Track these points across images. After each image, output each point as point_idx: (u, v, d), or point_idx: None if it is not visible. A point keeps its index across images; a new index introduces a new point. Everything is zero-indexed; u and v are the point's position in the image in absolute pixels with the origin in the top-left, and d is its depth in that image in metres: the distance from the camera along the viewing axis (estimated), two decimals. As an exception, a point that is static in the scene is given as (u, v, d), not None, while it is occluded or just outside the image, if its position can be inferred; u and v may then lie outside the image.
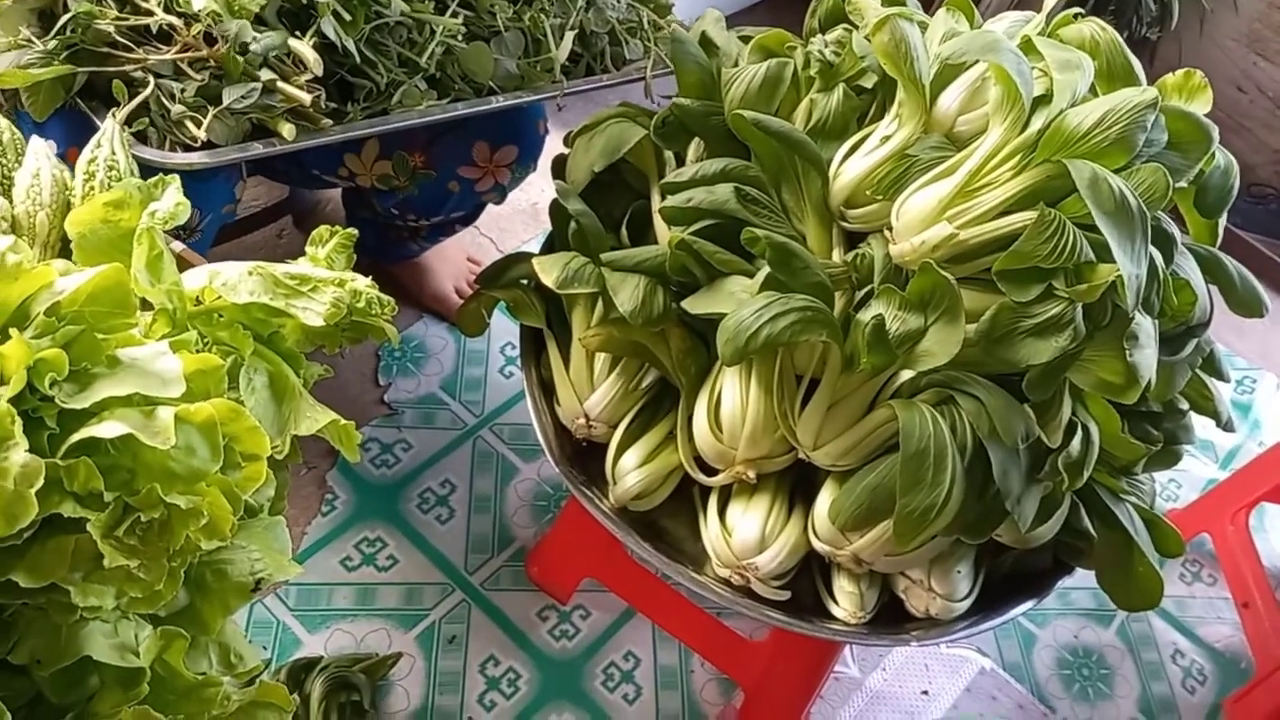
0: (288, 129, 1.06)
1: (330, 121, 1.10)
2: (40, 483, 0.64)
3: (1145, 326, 1.05)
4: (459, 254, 1.94)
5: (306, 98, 1.05)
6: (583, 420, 1.28)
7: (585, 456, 1.30)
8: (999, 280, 1.04)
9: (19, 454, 0.64)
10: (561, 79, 1.29)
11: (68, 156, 1.01)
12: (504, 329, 1.92)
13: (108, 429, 0.66)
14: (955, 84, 1.15)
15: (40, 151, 0.98)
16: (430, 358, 1.88)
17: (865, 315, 1.08)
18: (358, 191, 1.59)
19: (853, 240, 1.20)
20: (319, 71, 1.07)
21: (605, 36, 1.38)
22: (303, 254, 1.03)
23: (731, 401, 1.17)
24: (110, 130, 0.99)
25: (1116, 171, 1.01)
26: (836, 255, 1.19)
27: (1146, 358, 1.04)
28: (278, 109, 1.06)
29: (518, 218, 2.11)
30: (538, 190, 2.07)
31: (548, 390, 1.33)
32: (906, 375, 1.13)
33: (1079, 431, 1.11)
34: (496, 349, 1.93)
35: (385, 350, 1.87)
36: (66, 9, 1.02)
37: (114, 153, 0.99)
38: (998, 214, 1.06)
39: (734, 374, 1.17)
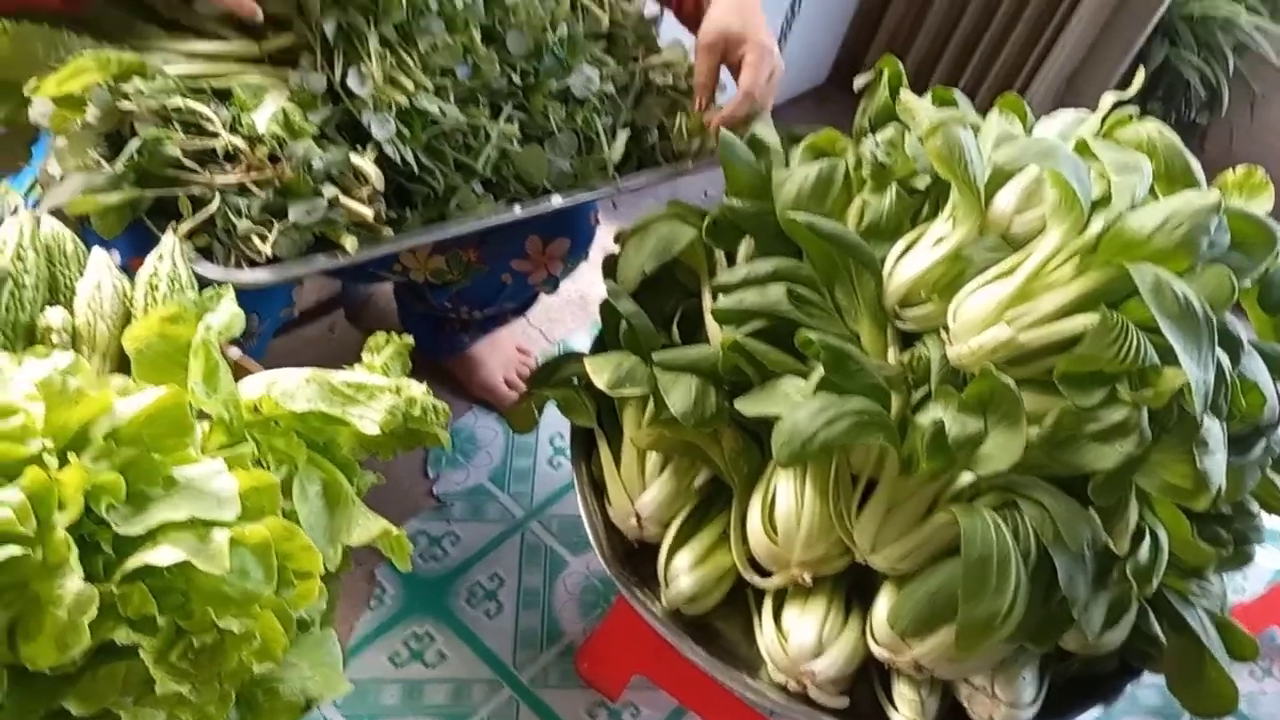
0: (350, 241, 1.07)
1: (391, 231, 1.11)
2: (94, 612, 0.63)
3: (1214, 431, 1.02)
4: (508, 345, 1.95)
5: (369, 212, 1.07)
6: (634, 520, 1.26)
7: (637, 557, 1.29)
8: (1061, 384, 1.02)
9: (74, 582, 0.64)
10: (615, 176, 1.30)
11: (130, 266, 1.03)
12: (552, 419, 1.89)
13: (163, 556, 0.66)
14: (1010, 185, 1.14)
15: (102, 264, 1.00)
16: (479, 449, 1.88)
17: (924, 418, 1.06)
18: (410, 285, 1.60)
19: (907, 340, 1.19)
20: (381, 186, 1.08)
21: (655, 131, 1.38)
22: (355, 347, 1.04)
23: (786, 503, 1.15)
24: (171, 244, 1.01)
25: (1180, 275, 0.99)
26: (891, 355, 1.18)
27: (1216, 463, 1.01)
28: (340, 221, 1.07)
29: (566, 308, 2.12)
30: (586, 281, 2.07)
31: (599, 489, 1.32)
32: (967, 478, 1.11)
33: (1147, 537, 1.08)
34: (545, 439, 1.92)
35: (435, 442, 1.87)
36: (134, 132, 1.04)
37: (175, 265, 1.00)
38: (1058, 316, 1.04)
39: (789, 475, 1.16)
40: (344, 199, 1.06)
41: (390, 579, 1.67)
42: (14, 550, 0.62)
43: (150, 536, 0.68)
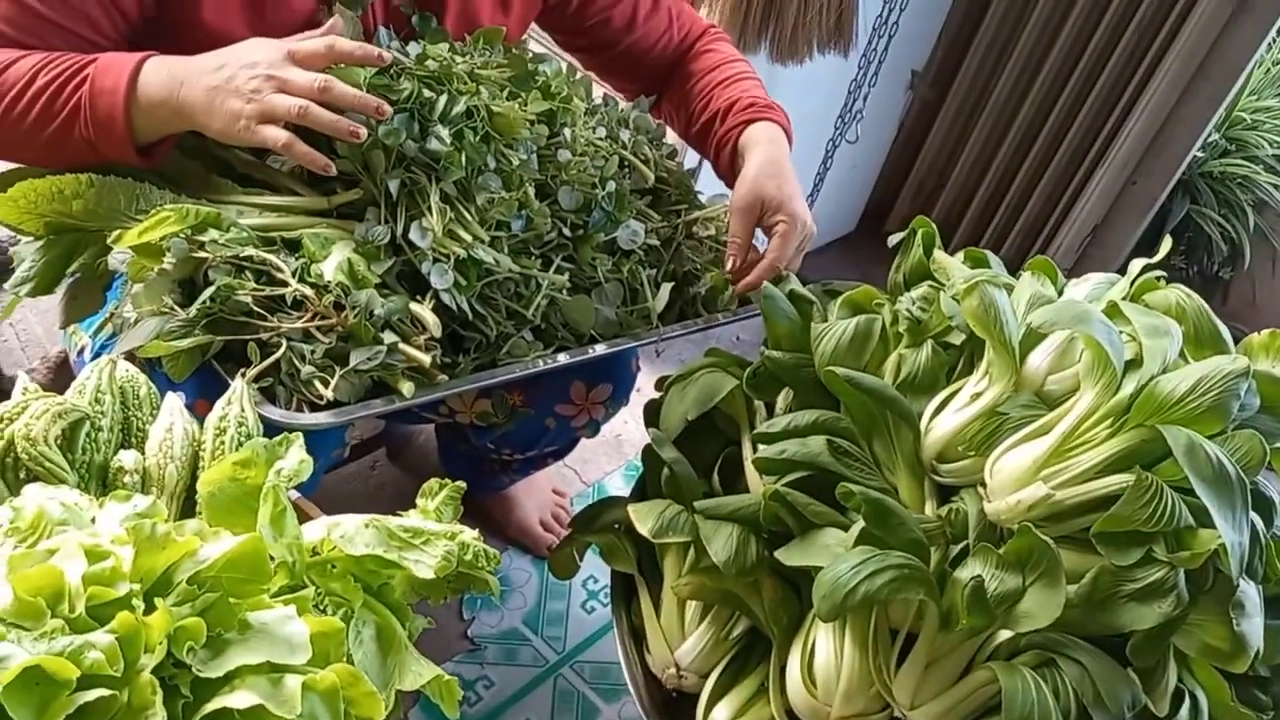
0: (407, 387, 1.11)
1: (445, 377, 1.16)
2: (174, 754, 0.66)
3: (1250, 594, 1.04)
4: (545, 486, 1.98)
5: (426, 358, 1.11)
6: (673, 670, 1.27)
7: (675, 706, 1.29)
8: (1098, 543, 1.04)
9: (156, 724, 0.66)
10: (658, 325, 1.35)
11: (195, 408, 1.07)
12: (588, 564, 1.92)
13: (240, 699, 0.69)
14: (1044, 345, 1.18)
15: (174, 408, 1.04)
16: (514, 591, 1.89)
17: (963, 574, 1.08)
18: (454, 426, 1.64)
19: (945, 493, 1.21)
20: (438, 333, 1.13)
21: (698, 283, 1.43)
22: (395, 486, 1.07)
23: (826, 655, 1.16)
24: (240, 390, 1.05)
25: (1211, 438, 1.02)
26: (929, 509, 1.20)
27: (1254, 626, 1.03)
28: (398, 367, 1.12)
29: (602, 449, 2.16)
30: (620, 422, 2.12)
31: (638, 637, 1.33)
32: (1005, 634, 1.12)
33: (1187, 700, 1.08)
34: (579, 583, 1.93)
35: (470, 581, 1.88)
36: (208, 281, 1.10)
37: (243, 410, 1.04)
38: (1093, 475, 1.07)
39: (828, 627, 1.17)
40: (403, 345, 1.11)
41: (423, 723, 1.67)
42: (103, 692, 0.65)
43: (227, 680, 0.70)
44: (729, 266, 1.40)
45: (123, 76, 1.12)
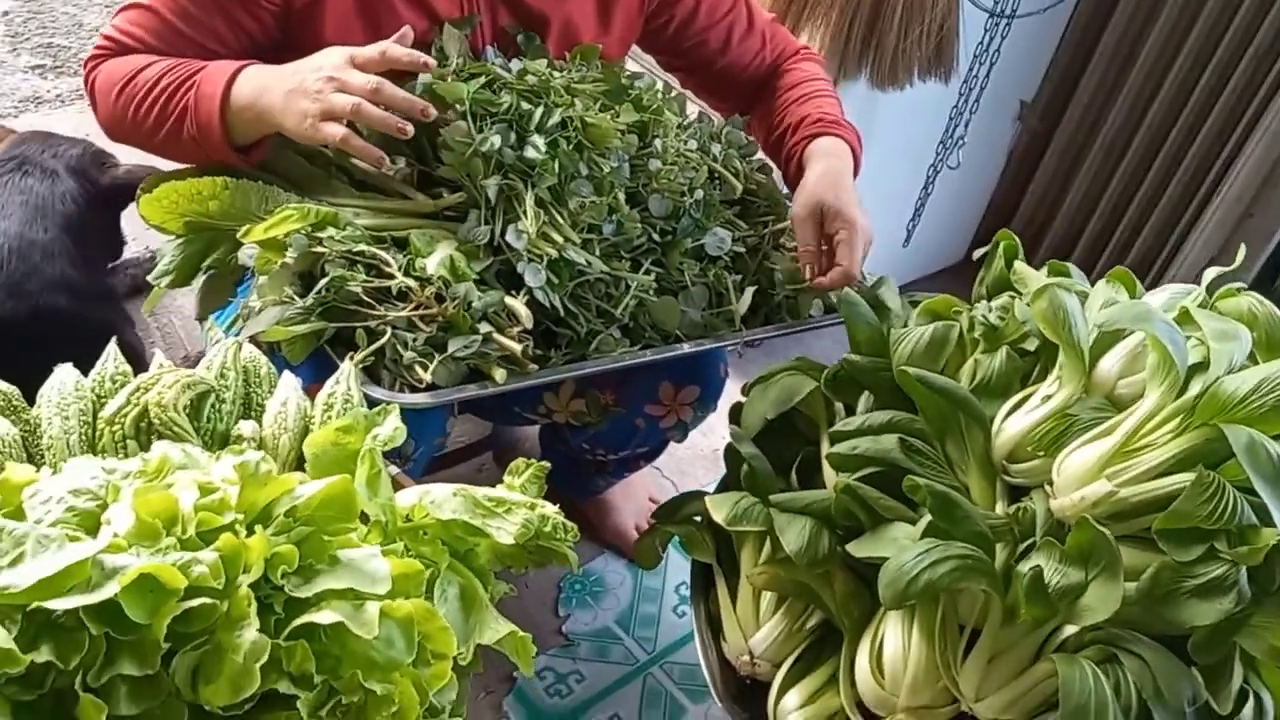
0: (500, 374, 1.20)
1: (535, 366, 1.24)
2: (265, 659, 0.74)
3: (1315, 593, 1.04)
4: (642, 493, 2.05)
5: (518, 347, 1.20)
6: (747, 657, 1.32)
7: (749, 695, 1.34)
8: (1160, 539, 1.06)
9: (250, 633, 0.75)
10: (741, 328, 1.41)
11: (310, 391, 1.17)
12: (679, 569, 1.99)
13: (324, 616, 0.77)
14: (1115, 349, 1.21)
15: (290, 385, 1.15)
16: (608, 592, 1.96)
17: (1025, 567, 1.11)
18: (553, 428, 1.73)
19: (1016, 494, 1.24)
20: (529, 325, 1.22)
21: (782, 289, 1.49)
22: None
23: (894, 647, 1.19)
24: (347, 371, 1.16)
25: (1275, 437, 1.03)
26: (1000, 508, 1.23)
27: (1318, 627, 1.03)
28: (492, 356, 1.21)
29: (699, 461, 2.22)
30: (719, 436, 2.17)
31: (715, 626, 1.38)
32: (1070, 630, 1.14)
33: (1251, 699, 1.08)
34: (671, 588, 1.99)
35: (566, 582, 1.96)
36: (324, 273, 1.21)
37: (349, 389, 1.14)
38: (1157, 474, 1.09)
39: (897, 620, 1.20)
40: (497, 335, 1.20)
41: (516, 710, 1.74)
42: (206, 600, 0.74)
43: (315, 601, 0.79)
44: (805, 276, 1.45)
45: (220, 83, 1.26)
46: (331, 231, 1.24)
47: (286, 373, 1.17)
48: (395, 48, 1.24)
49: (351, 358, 1.19)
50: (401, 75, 1.27)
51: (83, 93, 1.42)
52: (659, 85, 1.50)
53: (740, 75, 1.65)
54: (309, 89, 1.22)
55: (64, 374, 1.10)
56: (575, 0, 1.51)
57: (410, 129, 1.22)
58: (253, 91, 1.26)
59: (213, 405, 1.12)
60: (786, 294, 1.45)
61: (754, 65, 1.65)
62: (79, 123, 2.79)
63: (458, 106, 1.32)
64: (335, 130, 1.21)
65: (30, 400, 1.10)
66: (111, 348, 1.16)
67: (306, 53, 1.33)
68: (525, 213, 1.26)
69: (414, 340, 1.20)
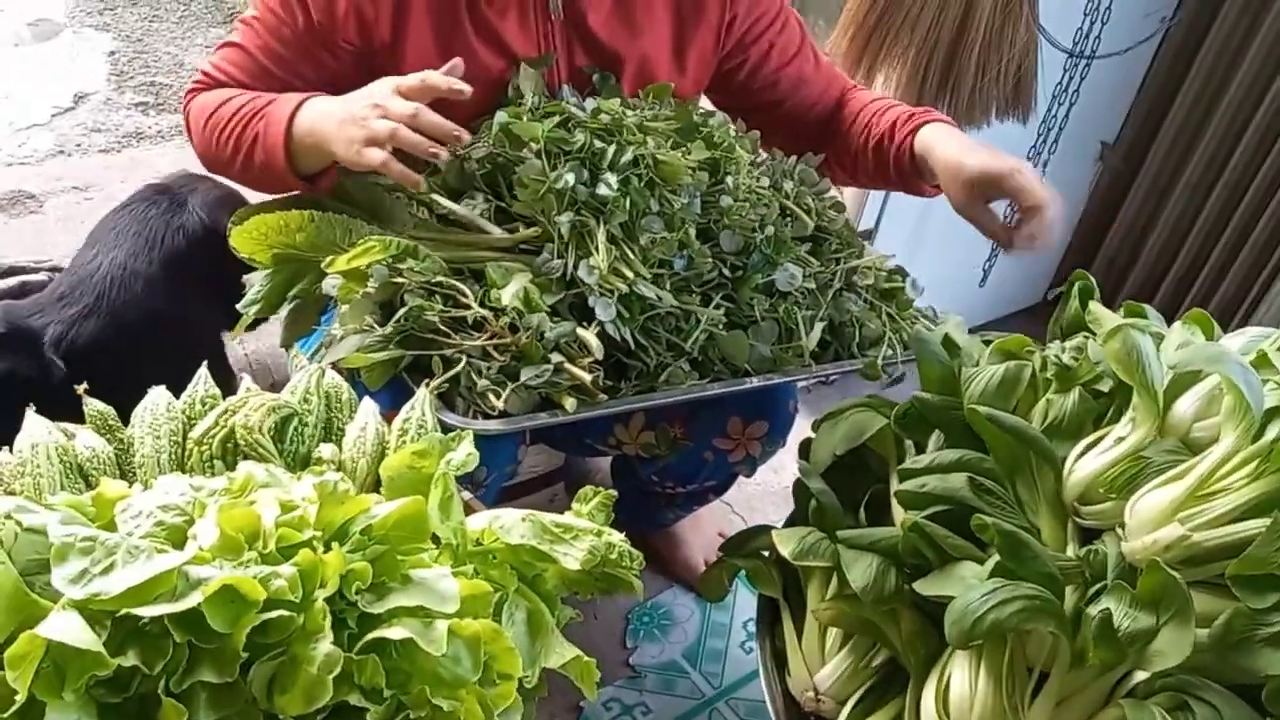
0: (570, 403, 1.23)
1: (605, 397, 1.27)
2: (337, 671, 0.77)
3: (1397, 646, 1.01)
4: (711, 528, 2.06)
5: (588, 377, 1.23)
6: (812, 693, 1.32)
7: (812, 731, 1.33)
8: (1233, 585, 1.04)
9: (325, 645, 0.78)
10: (810, 363, 1.42)
11: (387, 418, 1.21)
12: (747, 604, 1.99)
13: (395, 632, 0.80)
14: (1191, 392, 1.19)
15: (369, 411, 1.19)
16: (675, 625, 1.97)
17: (1094, 609, 1.10)
18: (624, 460, 1.75)
19: (1088, 537, 1.23)
20: (600, 355, 1.24)
21: (855, 328, 1.49)
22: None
23: (960, 688, 1.18)
24: (423, 398, 1.19)
25: (1354, 484, 1.01)
26: (1071, 550, 1.22)
27: (1400, 680, 1.00)
28: (563, 385, 1.23)
29: (768, 498, 2.22)
30: (790, 473, 2.17)
31: (780, 661, 1.38)
32: (1141, 677, 1.12)
33: (1328, 752, 1.05)
34: (738, 624, 1.99)
35: (634, 614, 1.97)
36: (403, 303, 1.25)
37: (424, 415, 1.18)
38: (1231, 519, 1.07)
39: (964, 660, 1.19)
40: (568, 365, 1.23)
41: (582, 740, 1.76)
42: (284, 613, 0.78)
43: (386, 617, 0.82)
44: (1005, 245, 1.47)
45: (286, 112, 1.34)
46: (411, 263, 1.28)
47: (366, 399, 1.21)
48: (435, 76, 1.29)
49: (427, 384, 1.22)
50: (451, 105, 1.31)
51: (182, 129, 1.50)
52: (731, 123, 1.53)
53: (809, 114, 1.67)
54: (356, 116, 1.27)
55: (157, 396, 1.16)
56: (650, 40, 1.54)
57: (444, 154, 1.26)
58: (312, 120, 1.33)
59: (295, 428, 1.16)
60: (858, 331, 1.46)
61: (821, 103, 1.68)
62: (178, 158, 2.90)
63: (532, 144, 1.36)
64: (376, 155, 1.25)
65: (125, 420, 1.16)
66: (202, 372, 1.21)
67: None
68: (597, 248, 1.29)
69: (488, 369, 1.23)
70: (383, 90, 1.29)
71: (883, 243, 2.24)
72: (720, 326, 1.34)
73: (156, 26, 3.71)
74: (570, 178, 1.31)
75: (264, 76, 1.45)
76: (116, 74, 3.44)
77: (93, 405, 1.16)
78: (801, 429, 1.61)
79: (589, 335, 1.24)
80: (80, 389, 1.17)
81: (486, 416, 1.23)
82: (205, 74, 1.48)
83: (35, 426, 1.08)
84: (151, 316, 1.94)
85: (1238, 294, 2.58)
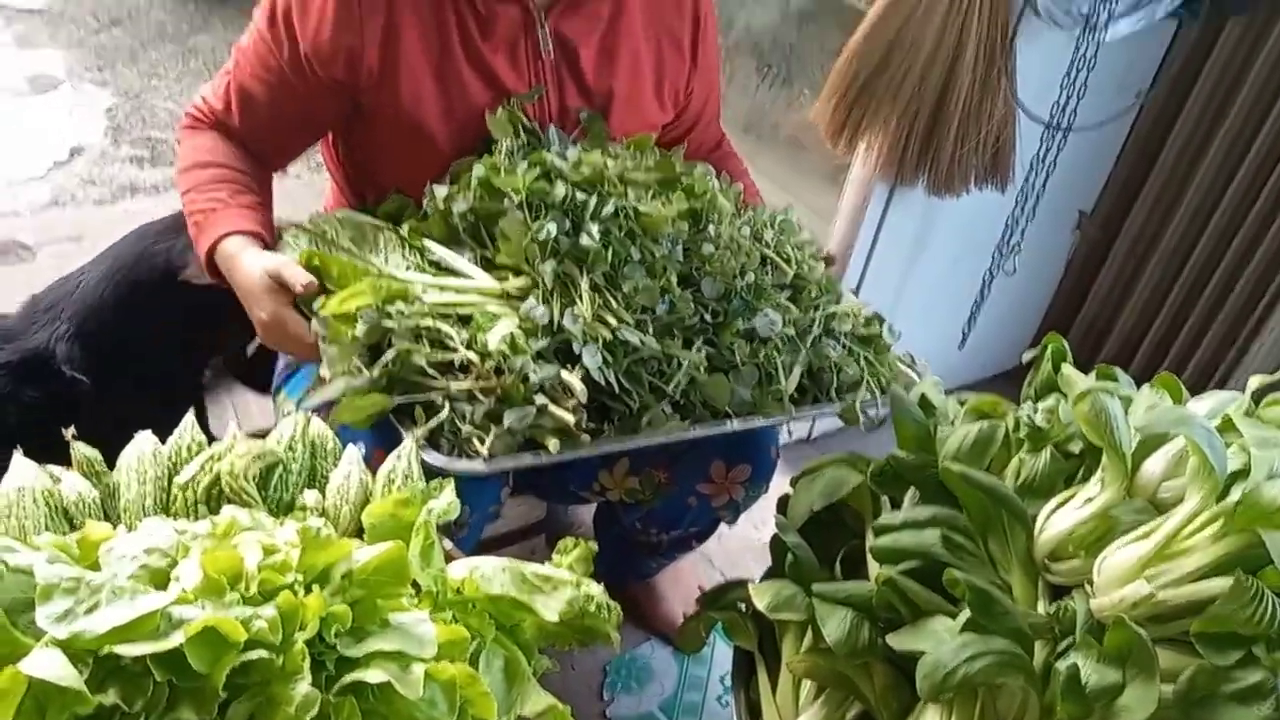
0: (553, 444, 1.25)
1: (589, 438, 1.29)
2: (315, 712, 0.78)
3: (1357, 705, 1.03)
4: (691, 581, 2.07)
5: (571, 419, 1.25)
6: (786, 746, 1.33)
7: (787, 784, 1.34)
8: (1197, 642, 1.06)
9: (303, 687, 0.80)
10: (790, 407, 1.44)
11: (374, 456, 1.23)
12: (725, 658, 1.99)
13: (372, 675, 0.81)
14: (1159, 453, 1.22)
15: (353, 459, 1.21)
16: (653, 679, 1.97)
17: (1062, 665, 1.12)
18: (607, 509, 1.77)
19: (1058, 593, 1.25)
20: (584, 399, 1.27)
21: (834, 373, 1.51)
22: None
23: (932, 743, 1.20)
24: (409, 448, 1.21)
25: (1314, 544, 1.04)
26: (1041, 606, 1.23)
27: (1361, 738, 1.02)
28: (547, 427, 1.26)
29: (749, 553, 2.23)
30: (770, 529, 2.19)
31: (755, 714, 1.39)
32: (1109, 733, 1.14)
33: (1292, 810, 1.07)
34: (715, 678, 2.00)
35: (612, 666, 1.98)
36: (390, 345, 1.28)
37: (410, 465, 1.20)
38: (1196, 578, 1.09)
39: (935, 713, 1.20)
40: (552, 407, 1.25)
41: (557, 795, 1.75)
42: (263, 654, 0.79)
43: (364, 661, 0.83)
44: None
45: (206, 243, 1.45)
46: (401, 305, 1.31)
47: (350, 446, 1.23)
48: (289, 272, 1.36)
49: (414, 434, 1.24)
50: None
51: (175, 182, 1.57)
52: (715, 175, 1.57)
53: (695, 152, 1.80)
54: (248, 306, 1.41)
55: (143, 441, 1.18)
56: (635, 76, 1.62)
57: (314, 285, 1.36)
58: (228, 270, 1.44)
59: (280, 475, 1.18)
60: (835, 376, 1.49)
61: (703, 149, 1.83)
62: (171, 210, 2.93)
63: (514, 195, 1.39)
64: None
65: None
66: (189, 419, 1.23)
67: (384, 120, 1.51)
68: (581, 296, 1.32)
69: (472, 412, 1.25)
70: (254, 310, 1.40)
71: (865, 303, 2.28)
72: (702, 370, 1.37)
73: (155, 83, 3.77)
74: (552, 228, 1.34)
75: (251, 109, 1.54)
76: (114, 128, 3.49)
77: (80, 450, 1.17)
78: (781, 485, 1.63)
79: (573, 378, 1.27)
80: (68, 433, 1.18)
81: (469, 457, 1.25)
82: (198, 106, 1.58)
83: (23, 470, 1.10)
84: (116, 340, 1.95)
85: (1213, 359, 2.63)
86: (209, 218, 1.46)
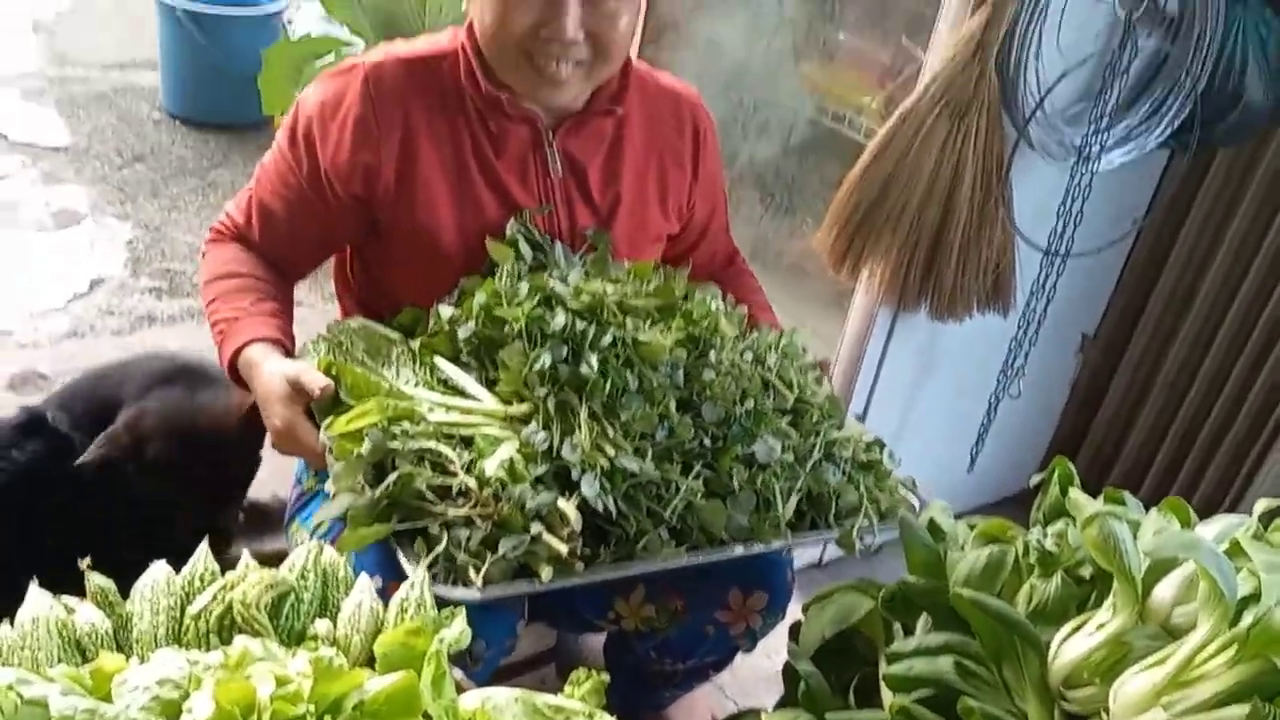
0: (546, 572, 1.26)
1: (583, 565, 1.29)
2: None
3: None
4: (704, 711, 2.04)
5: (565, 549, 1.26)
6: None
7: None
8: (1217, 771, 1.05)
9: (314, 822, 0.79)
10: (786, 533, 1.44)
11: (388, 588, 1.23)
12: (740, 794, 1.95)
13: (385, 811, 0.81)
14: (1170, 577, 1.22)
15: (365, 588, 1.21)
16: (667, 813, 1.93)
17: (1083, 800, 1.10)
18: (620, 639, 1.75)
19: (1074, 721, 1.24)
20: (579, 527, 1.28)
21: (833, 499, 1.51)
22: (561, 696, 1.18)
23: None
24: (421, 577, 1.22)
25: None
26: (1058, 736, 1.22)
27: None
28: (541, 555, 1.27)
29: (762, 682, 2.20)
30: (781, 656, 2.16)
31: None
32: None
33: None
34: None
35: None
36: (394, 467, 1.30)
37: (422, 594, 1.21)
38: (1212, 705, 1.08)
39: None
40: (546, 535, 1.26)
41: None
42: (275, 787, 0.79)
43: (376, 794, 0.83)
44: None
45: (235, 345, 1.51)
46: (406, 425, 1.33)
47: (363, 575, 1.23)
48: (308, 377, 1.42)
49: (416, 561, 1.25)
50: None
51: (193, 312, 1.64)
52: (720, 298, 1.61)
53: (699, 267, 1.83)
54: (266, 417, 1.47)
55: (157, 571, 1.19)
56: (639, 186, 1.68)
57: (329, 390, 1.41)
58: (247, 373, 1.50)
59: (292, 604, 1.19)
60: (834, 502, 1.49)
61: (715, 263, 1.87)
62: (188, 341, 2.99)
63: (514, 324, 1.43)
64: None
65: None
66: (203, 548, 1.24)
67: (400, 235, 1.57)
68: (579, 425, 1.34)
69: (469, 538, 1.26)
70: (270, 419, 1.46)
71: (871, 427, 2.29)
72: (699, 496, 1.38)
73: (175, 216, 3.86)
74: (548, 359, 1.37)
75: (270, 224, 1.61)
76: (133, 260, 3.57)
77: (94, 580, 1.18)
78: (793, 612, 1.62)
79: (568, 508, 1.28)
80: (84, 564, 1.19)
81: (465, 585, 1.26)
82: (222, 221, 1.67)
83: (38, 600, 1.11)
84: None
85: (1223, 481, 2.63)
86: (233, 326, 1.52)
